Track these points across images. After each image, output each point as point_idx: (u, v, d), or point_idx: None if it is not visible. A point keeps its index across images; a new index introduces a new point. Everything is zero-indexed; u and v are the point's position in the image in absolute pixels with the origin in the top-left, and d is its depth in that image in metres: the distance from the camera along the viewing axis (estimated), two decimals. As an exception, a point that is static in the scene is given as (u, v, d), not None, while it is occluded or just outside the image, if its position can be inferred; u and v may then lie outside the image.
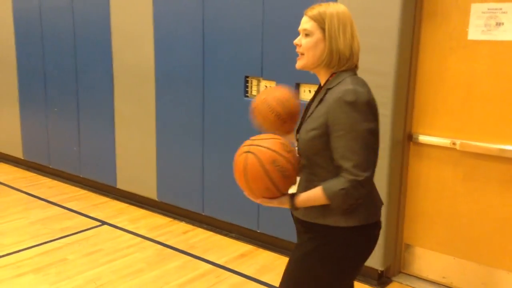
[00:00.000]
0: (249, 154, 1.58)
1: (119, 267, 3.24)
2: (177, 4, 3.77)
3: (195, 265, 3.29)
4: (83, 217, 4.12)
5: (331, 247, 1.63)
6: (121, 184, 4.46)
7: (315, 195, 1.59)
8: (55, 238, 3.69)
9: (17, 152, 5.46)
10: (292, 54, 3.14)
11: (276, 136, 1.65)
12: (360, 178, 1.51)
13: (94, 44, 4.43)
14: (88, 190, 4.77)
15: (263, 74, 3.36)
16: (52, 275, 3.12)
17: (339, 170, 1.55)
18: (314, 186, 1.60)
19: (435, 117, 2.91)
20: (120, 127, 4.39)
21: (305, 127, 1.63)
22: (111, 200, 4.53)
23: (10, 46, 5.26)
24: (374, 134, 1.56)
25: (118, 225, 3.96)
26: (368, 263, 3.01)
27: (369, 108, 1.55)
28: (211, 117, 3.70)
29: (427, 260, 3.07)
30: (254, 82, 3.45)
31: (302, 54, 1.67)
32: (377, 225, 1.69)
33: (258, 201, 1.64)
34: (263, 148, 1.58)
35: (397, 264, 3.17)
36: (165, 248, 3.56)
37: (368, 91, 1.58)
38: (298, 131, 1.70)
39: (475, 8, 2.70)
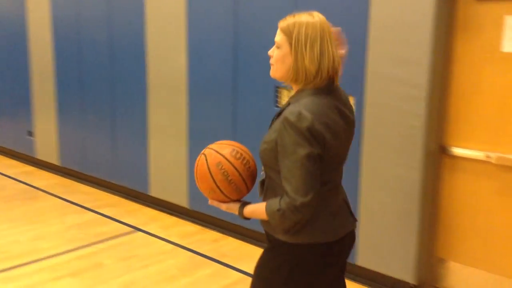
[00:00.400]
0: (202, 156, 1.73)
1: (153, 273, 3.32)
2: (209, 16, 3.85)
3: (226, 274, 3.34)
4: (117, 223, 4.23)
5: (281, 260, 1.66)
6: (154, 192, 4.57)
7: (260, 209, 1.62)
8: (90, 243, 3.80)
9: (54, 159, 5.65)
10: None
11: (232, 143, 1.75)
12: (296, 203, 1.50)
13: (129, 55, 4.57)
14: (122, 196, 4.90)
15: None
16: (88, 279, 3.22)
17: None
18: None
19: (469, 129, 2.89)
20: (153, 135, 4.50)
21: (264, 137, 1.64)
22: (144, 207, 4.63)
23: (48, 56, 5.46)
24: (314, 159, 1.51)
25: (151, 231, 4.05)
26: (400, 276, 3.04)
27: (311, 134, 1.50)
28: (242, 127, 3.76)
29: (461, 275, 3.03)
30: (284, 92, 3.49)
31: (273, 65, 1.65)
32: (332, 244, 1.65)
33: (210, 202, 1.75)
34: (213, 151, 1.71)
35: (431, 278, 3.14)
36: (196, 255, 3.62)
37: (316, 117, 1.51)
38: None
39: (510, 20, 2.68)
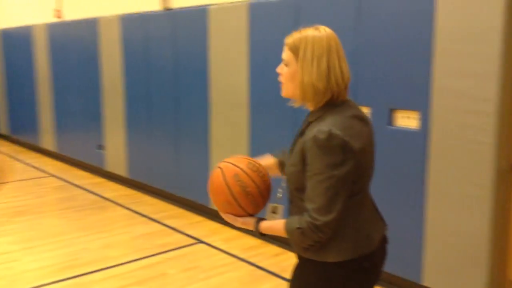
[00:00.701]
0: (217, 169, 1.70)
1: (215, 285, 3.38)
2: (271, 33, 3.92)
3: (286, 288, 3.34)
4: (181, 235, 4.35)
5: (310, 278, 1.61)
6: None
7: (278, 226, 1.58)
8: (155, 253, 3.93)
9: (123, 171, 5.91)
10: (387, 78, 3.15)
11: (247, 157, 1.73)
12: (318, 223, 1.47)
13: (192, 72, 4.73)
14: (185, 208, 5.03)
15: (357, 99, 3.38)
16: (153, 288, 3.33)
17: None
18: None
19: (545, 145, 2.74)
20: (215, 149, 4.61)
21: (289, 160, 1.60)
22: (206, 219, 4.74)
23: (118, 74, 5.76)
24: (343, 179, 1.47)
25: (213, 244, 4.13)
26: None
27: (342, 152, 1.46)
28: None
29: (535, 299, 2.86)
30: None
31: (282, 84, 1.61)
32: (361, 260, 1.58)
33: (224, 217, 1.69)
34: (229, 164, 1.69)
35: (501, 301, 2.98)
36: (257, 269, 3.65)
37: (345, 132, 1.47)
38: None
39: None
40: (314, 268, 1.59)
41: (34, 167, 7.00)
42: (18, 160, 7.47)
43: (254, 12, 4.08)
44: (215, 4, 4.46)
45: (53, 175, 6.50)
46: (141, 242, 4.16)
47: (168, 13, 4.99)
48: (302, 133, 1.57)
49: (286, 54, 1.59)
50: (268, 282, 3.44)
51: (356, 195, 1.56)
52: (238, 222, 1.68)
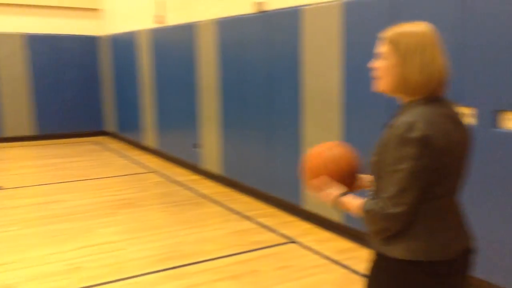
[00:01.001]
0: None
1: (307, 286, 3.38)
2: (366, 33, 3.83)
3: (381, 293, 3.24)
4: (273, 233, 4.40)
5: (381, 275, 1.62)
6: (307, 205, 4.66)
7: (355, 203, 1.63)
8: (248, 250, 4.02)
9: (218, 169, 6.11)
10: (493, 78, 2.94)
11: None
12: (386, 211, 1.50)
13: (285, 72, 4.76)
14: (277, 207, 5.08)
15: (461, 99, 3.20)
16: (247, 284, 3.40)
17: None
18: None
19: None
20: (307, 149, 4.59)
21: (373, 150, 1.61)
22: (298, 219, 4.74)
23: (214, 75, 5.96)
24: (419, 173, 1.46)
25: (306, 244, 4.12)
26: None
27: (422, 145, 1.45)
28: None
29: None
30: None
31: (378, 78, 1.61)
32: (437, 264, 1.53)
33: (313, 182, 1.77)
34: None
35: None
36: (351, 273, 3.58)
37: (429, 127, 1.46)
38: None
39: None
40: (387, 265, 1.60)
41: (137, 163, 7.48)
42: (123, 156, 8.04)
43: (349, 12, 4.01)
44: (309, 5, 4.45)
45: (154, 171, 6.90)
46: (234, 239, 4.27)
47: (262, 15, 5.07)
48: (390, 126, 1.58)
49: (382, 48, 1.59)
50: (361, 286, 3.36)
51: (438, 199, 1.54)
52: (325, 189, 1.74)
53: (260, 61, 5.12)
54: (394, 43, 1.54)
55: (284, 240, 4.23)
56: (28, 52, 8.99)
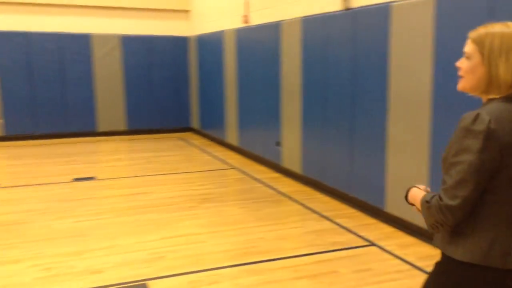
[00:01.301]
0: None
1: (387, 290, 3.27)
2: (459, 30, 3.61)
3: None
4: (353, 235, 4.30)
5: (441, 276, 1.60)
6: (390, 208, 4.50)
7: (419, 195, 1.62)
8: (327, 250, 3.96)
9: (297, 167, 6.10)
10: None
11: None
12: (442, 203, 1.48)
13: (371, 71, 4.63)
14: (357, 209, 4.97)
15: None
16: (325, 284, 3.36)
17: None
18: None
19: None
20: (392, 151, 4.44)
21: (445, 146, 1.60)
22: (379, 222, 4.60)
23: (297, 74, 5.95)
24: (476, 167, 1.44)
25: (387, 248, 3.99)
26: None
27: (485, 138, 1.43)
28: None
29: None
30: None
31: (462, 77, 1.61)
32: (502, 273, 1.49)
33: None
34: None
35: None
36: (434, 280, 3.41)
37: (495, 120, 1.44)
38: None
39: None
40: (447, 267, 1.58)
41: (219, 159, 7.67)
42: (206, 152, 8.29)
43: (441, 8, 3.81)
44: (398, 1, 4.29)
45: (235, 168, 7.04)
46: (313, 238, 4.24)
47: (349, 12, 4.97)
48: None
49: (469, 47, 1.59)
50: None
51: (502, 205, 1.49)
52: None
53: (345, 60, 5.03)
54: (479, 43, 1.54)
55: (364, 243, 4.13)
56: (122, 52, 9.56)
